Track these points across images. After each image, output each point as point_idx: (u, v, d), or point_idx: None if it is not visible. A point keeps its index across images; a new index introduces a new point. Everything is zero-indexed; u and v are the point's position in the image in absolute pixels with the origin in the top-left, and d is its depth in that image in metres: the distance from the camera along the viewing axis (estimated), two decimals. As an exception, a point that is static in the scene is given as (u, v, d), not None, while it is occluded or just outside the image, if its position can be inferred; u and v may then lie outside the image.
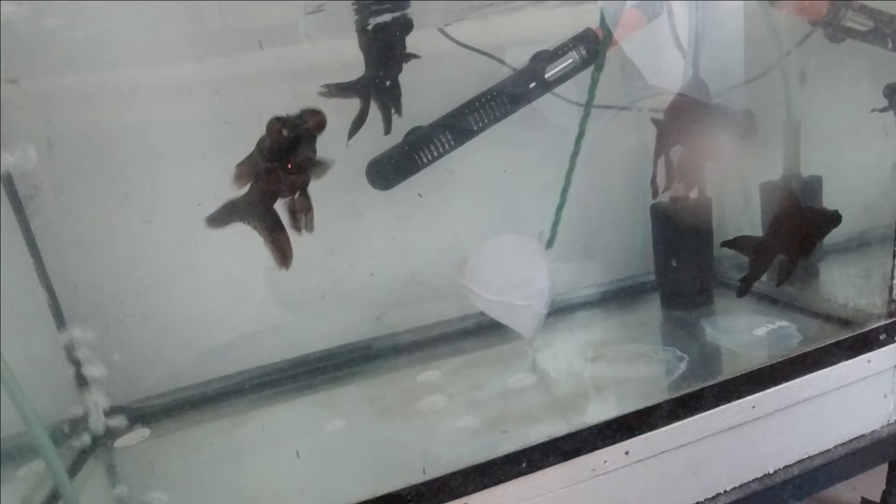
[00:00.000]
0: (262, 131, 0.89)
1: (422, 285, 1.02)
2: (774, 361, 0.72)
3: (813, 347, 0.74)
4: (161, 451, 0.81)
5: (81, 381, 0.85)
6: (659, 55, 0.92)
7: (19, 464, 0.72)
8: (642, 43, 0.92)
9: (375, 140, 0.88)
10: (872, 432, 0.80)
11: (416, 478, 0.60)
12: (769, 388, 0.72)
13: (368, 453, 0.72)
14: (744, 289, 0.83)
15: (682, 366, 0.77)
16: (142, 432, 0.83)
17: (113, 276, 0.88)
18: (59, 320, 0.85)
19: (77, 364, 0.84)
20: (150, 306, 0.89)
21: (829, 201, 0.94)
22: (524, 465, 0.62)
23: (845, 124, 0.98)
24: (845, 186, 0.94)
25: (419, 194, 0.94)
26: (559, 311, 1.02)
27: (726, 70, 0.93)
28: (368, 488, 0.60)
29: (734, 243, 0.84)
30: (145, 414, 0.87)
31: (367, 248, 0.99)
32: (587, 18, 0.91)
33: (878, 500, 0.88)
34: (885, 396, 0.80)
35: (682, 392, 0.69)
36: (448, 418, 0.75)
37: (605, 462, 0.66)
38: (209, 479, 0.73)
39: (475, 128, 0.90)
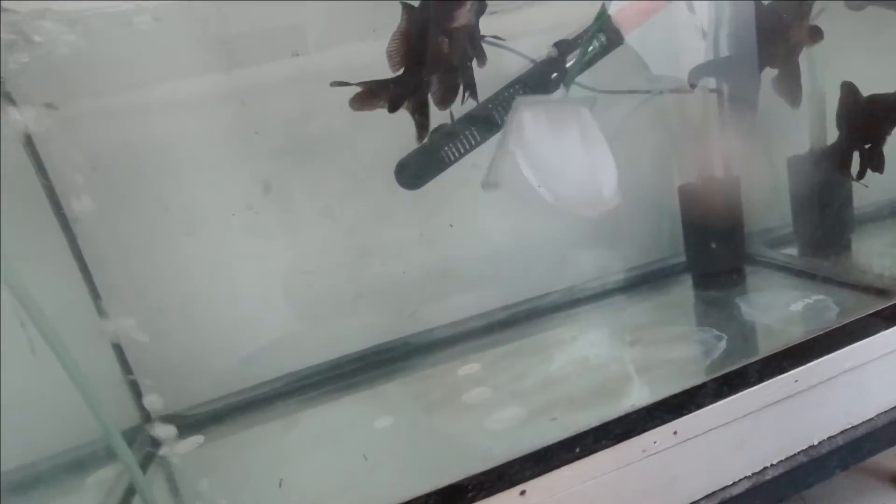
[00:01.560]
0: (289, 141, 0.93)
1: (453, 280, 1.03)
2: (814, 335, 0.73)
3: (851, 319, 0.75)
4: (217, 454, 0.83)
5: (135, 391, 0.88)
6: (678, 40, 0.92)
7: (85, 474, 0.75)
8: (660, 28, 0.92)
9: (403, 141, 0.89)
10: (914, 399, 0.81)
11: (474, 468, 0.62)
12: (810, 361, 0.73)
13: (421, 447, 0.74)
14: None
15: (722, 345, 0.79)
16: (196, 439, 0.86)
17: (157, 289, 0.90)
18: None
19: (130, 375, 0.87)
20: (193, 316, 0.92)
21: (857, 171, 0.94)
22: (577, 450, 0.64)
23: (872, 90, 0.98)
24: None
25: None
26: (592, 297, 1.03)
27: (747, 47, 0.93)
28: (427, 482, 0.62)
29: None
30: (197, 421, 0.90)
31: (398, 246, 1.01)
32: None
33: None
34: (925, 362, 0.81)
35: (726, 370, 0.70)
36: (495, 409, 0.77)
37: (655, 443, 0.67)
38: (268, 479, 0.76)
39: (500, 122, 0.90)
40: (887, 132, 0.82)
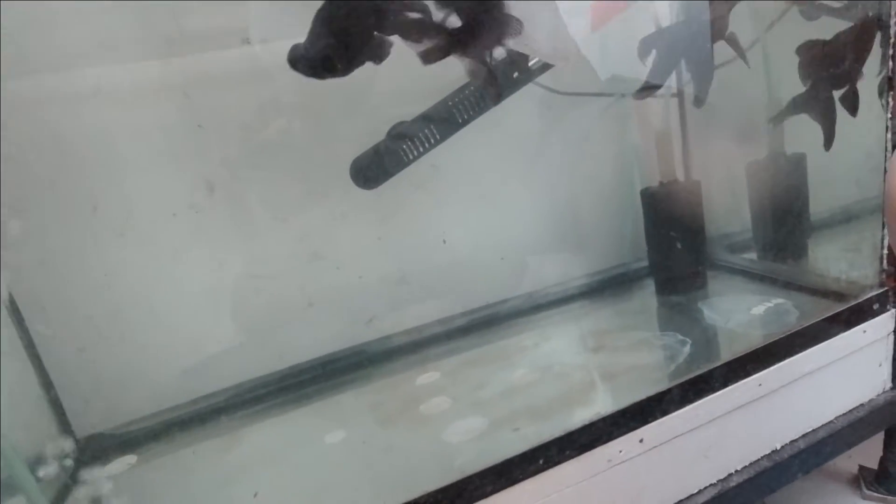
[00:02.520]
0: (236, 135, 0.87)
1: (412, 285, 0.99)
2: (776, 338, 0.72)
3: (811, 322, 0.74)
4: (150, 477, 0.76)
5: (58, 410, 0.80)
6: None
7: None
8: (622, 30, 0.91)
9: (357, 138, 0.85)
10: (870, 401, 0.82)
11: (431, 484, 0.57)
12: (773, 364, 0.72)
13: (375, 463, 0.69)
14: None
15: (686, 349, 0.77)
16: (128, 459, 0.78)
17: (85, 295, 0.82)
18: (31, 349, 0.79)
19: (52, 392, 0.79)
20: (127, 325, 0.84)
21: (814, 178, 0.95)
22: (541, 461, 0.61)
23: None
24: (830, 162, 0.95)
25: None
26: (554, 302, 1.01)
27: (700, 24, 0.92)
28: (381, 501, 0.57)
29: (785, 112, 0.85)
30: (130, 439, 0.82)
31: (354, 250, 0.96)
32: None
33: (874, 467, 0.89)
34: (880, 365, 0.81)
35: (691, 375, 0.68)
36: (454, 420, 0.73)
37: (621, 451, 0.64)
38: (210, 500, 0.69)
39: (460, 120, 0.87)
40: (859, 69, 0.82)
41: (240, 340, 0.90)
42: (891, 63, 0.75)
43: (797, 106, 0.89)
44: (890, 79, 0.75)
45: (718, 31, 0.88)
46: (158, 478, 0.76)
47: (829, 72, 0.86)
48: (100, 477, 0.73)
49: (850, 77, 0.82)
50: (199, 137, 0.85)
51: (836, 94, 0.85)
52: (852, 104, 0.84)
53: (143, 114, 0.82)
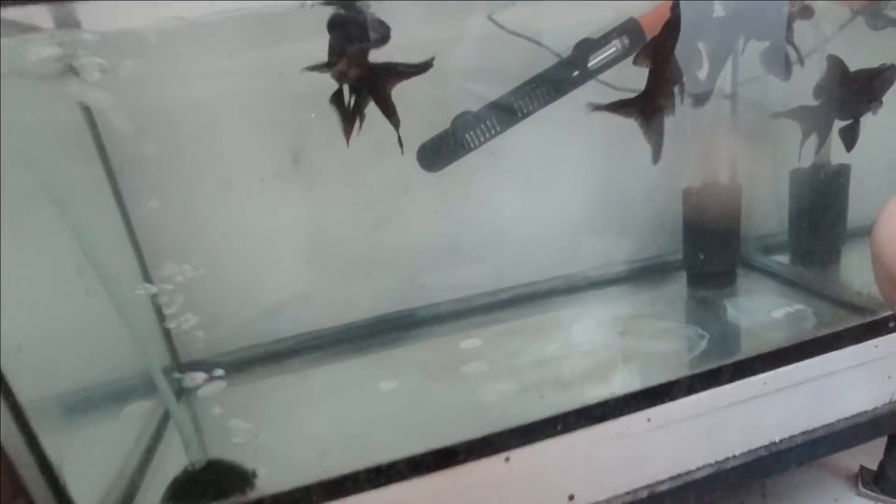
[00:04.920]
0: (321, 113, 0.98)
1: (463, 256, 1.10)
2: (787, 344, 0.79)
3: (824, 333, 0.81)
4: (237, 400, 0.93)
5: (165, 334, 0.97)
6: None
7: (119, 406, 0.84)
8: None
9: (426, 126, 0.94)
10: (874, 409, 0.88)
11: (466, 434, 0.70)
12: (780, 367, 0.80)
13: (420, 411, 0.83)
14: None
15: (703, 343, 0.85)
16: (219, 384, 0.95)
17: (191, 239, 0.97)
18: (146, 276, 0.96)
19: (161, 317, 0.96)
20: (221, 270, 0.99)
21: (856, 189, 0.98)
22: (559, 427, 0.72)
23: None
24: (876, 173, 0.98)
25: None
26: (592, 284, 1.10)
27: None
28: (423, 443, 0.70)
29: (788, 113, 0.89)
30: (221, 368, 0.99)
31: (414, 220, 1.07)
32: (631, 8, 0.94)
33: (874, 468, 0.96)
34: (889, 377, 0.87)
35: (701, 369, 0.77)
36: (490, 382, 0.85)
37: (629, 427, 0.75)
38: (284, 422, 0.85)
39: (520, 114, 0.95)
40: (864, 110, 0.86)
41: (310, 293, 1.04)
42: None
43: (798, 116, 0.92)
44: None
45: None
46: (243, 401, 0.92)
47: (841, 99, 0.88)
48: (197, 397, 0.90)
49: (856, 112, 0.85)
50: (289, 114, 0.97)
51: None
52: (850, 139, 0.87)
53: (243, 91, 0.94)
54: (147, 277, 0.94)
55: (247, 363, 1.00)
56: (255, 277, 1.02)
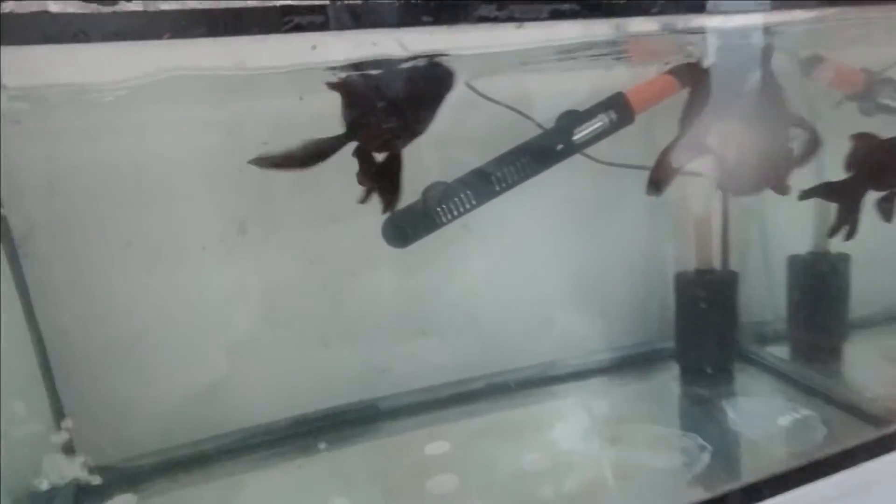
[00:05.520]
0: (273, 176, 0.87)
1: (430, 340, 0.98)
2: (798, 465, 0.69)
3: (839, 449, 0.71)
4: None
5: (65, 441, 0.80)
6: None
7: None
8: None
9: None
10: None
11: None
12: (790, 490, 0.69)
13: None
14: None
15: (705, 457, 0.74)
16: (128, 499, 0.78)
17: (106, 323, 0.82)
18: (45, 368, 0.80)
19: (60, 416, 0.79)
20: (141, 358, 0.84)
21: (857, 279, 0.92)
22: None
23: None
24: (876, 262, 0.92)
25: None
26: (573, 375, 0.99)
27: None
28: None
29: (814, 191, 0.82)
30: (132, 475, 0.82)
31: (375, 298, 0.95)
32: (618, 82, 0.88)
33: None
34: (910, 494, 0.78)
35: (704, 498, 0.66)
36: (461, 504, 0.71)
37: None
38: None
39: (498, 187, 0.86)
40: None
41: (251, 380, 0.90)
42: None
43: (828, 192, 0.86)
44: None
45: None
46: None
47: (876, 171, 0.83)
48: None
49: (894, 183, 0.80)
50: (238, 175, 0.85)
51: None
52: (889, 211, 0.82)
53: (187, 149, 0.82)
54: (46, 368, 0.78)
55: (167, 468, 0.83)
56: (182, 362, 0.87)
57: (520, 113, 0.89)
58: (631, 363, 1.00)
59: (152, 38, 0.38)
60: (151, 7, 0.38)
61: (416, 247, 0.87)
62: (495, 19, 0.48)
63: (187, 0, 0.39)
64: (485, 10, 0.47)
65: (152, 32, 0.38)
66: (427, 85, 0.71)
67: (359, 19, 0.44)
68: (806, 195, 0.83)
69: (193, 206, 0.84)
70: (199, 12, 0.38)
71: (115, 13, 0.38)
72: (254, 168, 0.83)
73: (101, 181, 0.79)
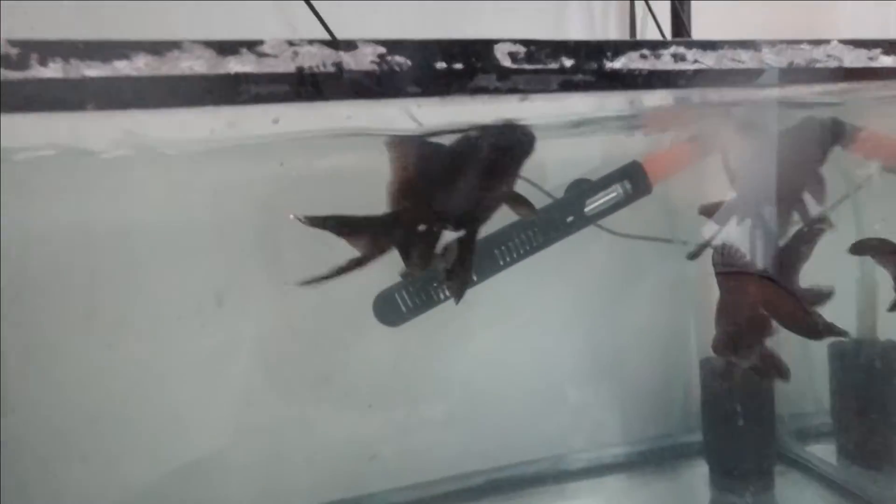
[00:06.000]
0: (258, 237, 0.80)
1: (425, 428, 0.88)
2: None
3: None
4: None
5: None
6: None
7: None
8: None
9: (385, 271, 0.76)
10: None
11: None
12: None
13: None
14: None
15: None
16: None
17: (61, 401, 0.74)
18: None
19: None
20: (99, 442, 0.75)
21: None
22: None
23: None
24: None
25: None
26: (586, 471, 0.87)
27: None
28: None
29: (862, 246, 0.72)
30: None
31: (364, 381, 0.86)
32: (634, 150, 0.81)
33: None
34: None
35: None
36: None
37: None
38: None
39: (502, 262, 0.78)
40: None
41: (214, 474, 0.80)
42: None
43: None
44: None
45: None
46: None
47: None
48: None
49: None
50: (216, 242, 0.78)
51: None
52: None
53: (166, 210, 0.76)
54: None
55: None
56: (152, 452, 0.78)
57: (527, 180, 0.82)
58: (652, 458, 0.89)
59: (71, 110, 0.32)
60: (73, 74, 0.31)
61: (414, 321, 0.79)
62: (495, 91, 0.41)
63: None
64: (483, 80, 0.40)
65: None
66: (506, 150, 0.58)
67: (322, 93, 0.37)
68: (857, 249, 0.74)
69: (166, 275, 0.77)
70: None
71: (26, 80, 0.31)
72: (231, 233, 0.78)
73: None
